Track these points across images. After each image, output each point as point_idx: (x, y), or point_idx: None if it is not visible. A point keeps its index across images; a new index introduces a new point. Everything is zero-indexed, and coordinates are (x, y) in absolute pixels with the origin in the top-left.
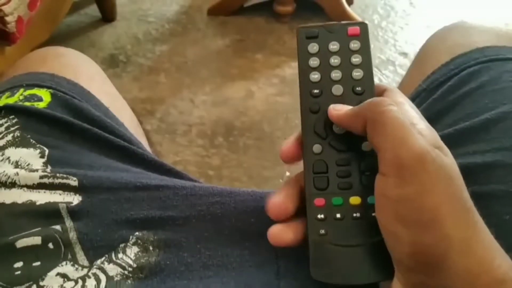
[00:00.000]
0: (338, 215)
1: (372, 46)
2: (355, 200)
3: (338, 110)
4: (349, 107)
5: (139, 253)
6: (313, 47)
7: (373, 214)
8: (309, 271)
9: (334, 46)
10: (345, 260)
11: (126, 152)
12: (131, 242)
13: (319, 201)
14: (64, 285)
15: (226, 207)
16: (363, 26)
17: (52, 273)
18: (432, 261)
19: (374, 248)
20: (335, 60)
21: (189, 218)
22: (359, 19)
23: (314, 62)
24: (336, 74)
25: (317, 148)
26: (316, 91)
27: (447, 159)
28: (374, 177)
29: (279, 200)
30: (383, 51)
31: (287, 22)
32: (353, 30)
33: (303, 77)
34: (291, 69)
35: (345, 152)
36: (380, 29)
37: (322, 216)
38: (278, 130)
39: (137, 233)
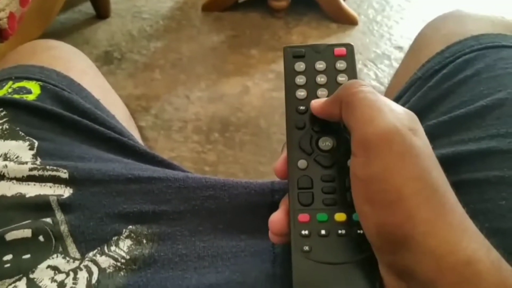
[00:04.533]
0: (323, 232)
1: (367, 40)
2: (340, 216)
3: (318, 101)
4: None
5: (132, 245)
6: (300, 66)
7: (359, 232)
8: None
9: (320, 65)
10: (329, 277)
11: (117, 143)
12: (124, 235)
13: (304, 217)
14: (55, 277)
15: (220, 202)
16: (349, 47)
17: (43, 265)
18: (397, 241)
19: (359, 266)
20: (321, 79)
21: (183, 213)
22: (355, 14)
23: (300, 80)
24: (322, 92)
25: (302, 163)
26: (302, 107)
27: (418, 140)
28: None
29: (279, 217)
30: (378, 45)
31: (282, 17)
32: (340, 51)
33: (290, 94)
34: None
35: (330, 168)
36: (375, 23)
37: (307, 232)
38: (274, 125)
39: (130, 226)
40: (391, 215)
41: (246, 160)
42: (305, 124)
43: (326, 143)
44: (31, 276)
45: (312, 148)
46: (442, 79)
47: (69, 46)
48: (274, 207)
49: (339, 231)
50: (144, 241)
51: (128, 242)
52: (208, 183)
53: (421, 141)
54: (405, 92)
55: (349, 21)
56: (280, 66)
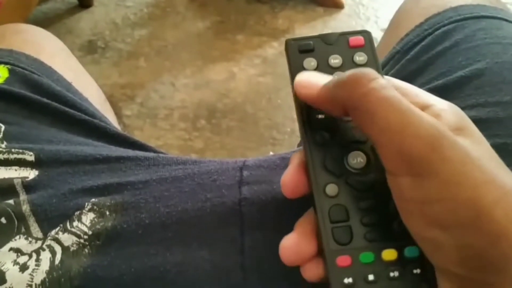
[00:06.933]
0: (371, 277)
1: (354, 23)
2: (389, 254)
3: (306, 87)
4: (323, 82)
5: (95, 219)
6: (310, 63)
7: (415, 271)
8: (275, 223)
9: (336, 60)
10: None
11: (88, 125)
12: (86, 209)
13: (344, 260)
14: (18, 260)
15: (189, 171)
16: (367, 35)
17: (5, 248)
18: (490, 263)
19: None
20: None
21: (148, 182)
22: None
23: None
24: None
25: (331, 189)
26: (320, 116)
27: (470, 140)
28: None
29: (293, 242)
30: (365, 28)
31: (268, 1)
32: (356, 40)
33: (301, 101)
34: (273, 49)
35: (368, 191)
36: (361, 6)
37: (350, 280)
38: (261, 110)
39: (93, 199)
40: (474, 235)
41: (233, 146)
42: (327, 136)
43: (358, 159)
44: None
45: (341, 168)
46: (420, 51)
47: (40, 29)
48: (246, 169)
49: (391, 274)
50: (107, 213)
51: (91, 215)
52: (179, 160)
53: (474, 139)
54: (383, 66)
55: (335, 5)
56: (266, 51)
